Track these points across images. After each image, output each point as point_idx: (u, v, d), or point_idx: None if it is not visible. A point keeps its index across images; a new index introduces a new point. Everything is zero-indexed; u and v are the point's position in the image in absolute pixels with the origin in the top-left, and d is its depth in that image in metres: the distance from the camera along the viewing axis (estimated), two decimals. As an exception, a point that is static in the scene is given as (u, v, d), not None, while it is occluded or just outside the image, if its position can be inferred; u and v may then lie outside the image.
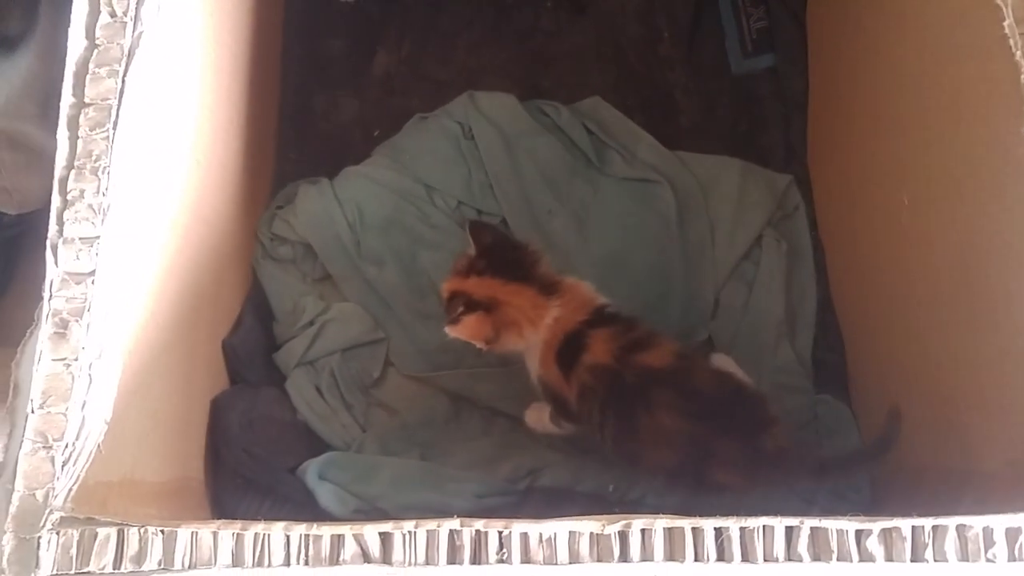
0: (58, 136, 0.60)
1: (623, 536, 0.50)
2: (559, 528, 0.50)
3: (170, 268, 0.71)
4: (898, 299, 0.78)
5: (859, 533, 0.49)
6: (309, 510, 0.79)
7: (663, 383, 0.73)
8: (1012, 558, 0.48)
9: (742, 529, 0.50)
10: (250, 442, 0.79)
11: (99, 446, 0.56)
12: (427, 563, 0.50)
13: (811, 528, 0.49)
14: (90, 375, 0.56)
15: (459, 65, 1.07)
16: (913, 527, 0.49)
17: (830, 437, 0.85)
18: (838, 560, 0.49)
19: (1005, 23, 0.56)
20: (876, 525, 0.49)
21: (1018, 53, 0.56)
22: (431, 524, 0.51)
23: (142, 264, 0.65)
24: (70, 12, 0.82)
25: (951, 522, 0.49)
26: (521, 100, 1.02)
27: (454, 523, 0.51)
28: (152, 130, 0.65)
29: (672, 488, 0.80)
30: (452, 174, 0.98)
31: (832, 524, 0.49)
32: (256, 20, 0.94)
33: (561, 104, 1.02)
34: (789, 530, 0.50)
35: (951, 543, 0.49)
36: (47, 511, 0.52)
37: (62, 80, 0.84)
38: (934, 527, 0.49)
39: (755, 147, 1.03)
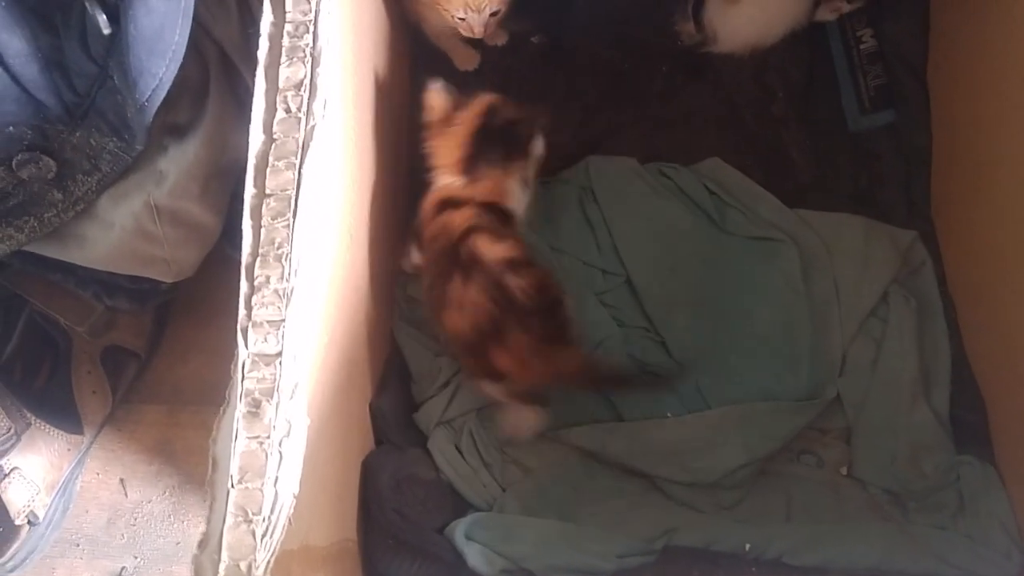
0: (243, 225, 0.65)
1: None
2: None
3: (332, 340, 0.75)
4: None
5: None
6: (457, 570, 0.82)
7: (486, 273, 0.80)
8: None
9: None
10: (401, 503, 0.82)
11: (290, 519, 0.60)
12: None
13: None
14: (280, 452, 0.61)
15: (576, 130, 1.10)
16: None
17: (975, 500, 0.84)
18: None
19: None
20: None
21: None
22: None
23: (314, 340, 0.69)
24: (235, 103, 0.90)
25: None
26: (641, 163, 1.04)
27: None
28: (321, 213, 0.69)
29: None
30: (576, 236, 1.01)
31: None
32: (388, 93, 0.99)
33: (680, 165, 1.04)
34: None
35: None
36: (252, 582, 0.56)
37: (221, 163, 0.91)
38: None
39: (875, 203, 1.03)
